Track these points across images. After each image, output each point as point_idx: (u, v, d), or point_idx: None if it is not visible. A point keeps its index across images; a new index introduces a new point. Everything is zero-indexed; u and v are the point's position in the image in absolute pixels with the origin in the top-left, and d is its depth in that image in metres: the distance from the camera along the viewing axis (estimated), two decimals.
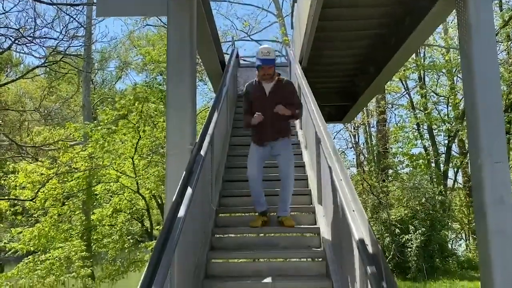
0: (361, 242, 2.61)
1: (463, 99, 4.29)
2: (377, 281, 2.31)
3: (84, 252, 12.09)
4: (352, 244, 2.77)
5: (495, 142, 3.70)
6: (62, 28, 10.24)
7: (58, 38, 9.78)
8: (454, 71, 15.69)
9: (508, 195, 3.57)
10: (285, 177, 4.31)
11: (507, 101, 14.29)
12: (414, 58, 16.66)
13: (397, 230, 12.10)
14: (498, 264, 3.52)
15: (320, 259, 3.83)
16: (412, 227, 11.82)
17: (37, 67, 14.34)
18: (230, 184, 5.52)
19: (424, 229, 11.62)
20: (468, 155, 13.04)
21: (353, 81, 9.10)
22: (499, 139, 3.71)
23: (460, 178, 17.17)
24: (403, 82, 17.46)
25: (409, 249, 11.45)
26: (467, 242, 15.47)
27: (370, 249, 2.57)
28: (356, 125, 19.16)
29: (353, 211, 2.92)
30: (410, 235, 11.64)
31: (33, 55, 16.42)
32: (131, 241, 13.72)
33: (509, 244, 3.56)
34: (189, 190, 3.24)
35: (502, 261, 3.50)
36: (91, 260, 12.71)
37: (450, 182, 16.75)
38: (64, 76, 18.47)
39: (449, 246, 13.47)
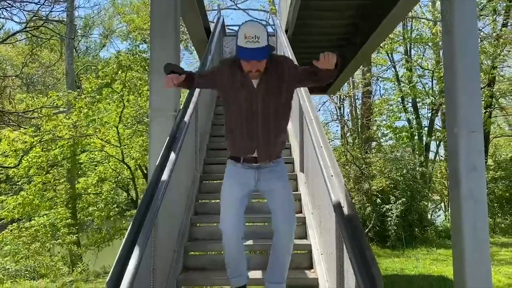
0: (338, 205, 2.71)
1: (443, 70, 4.38)
2: (351, 242, 2.42)
3: (70, 220, 12.15)
4: (330, 207, 2.88)
5: (472, 112, 3.81)
6: None
7: (39, 2, 9.49)
8: (440, 44, 15.77)
9: (481, 163, 3.71)
10: (284, 232, 2.65)
11: (490, 75, 14.49)
12: (401, 31, 16.68)
13: (378, 200, 12.42)
14: (469, 229, 3.68)
15: (300, 223, 3.96)
16: (393, 198, 12.13)
17: (18, 32, 13.99)
18: (214, 152, 5.60)
19: (404, 199, 11.95)
20: None
21: (339, 51, 9.08)
22: (475, 109, 3.82)
23: (441, 151, 17.54)
24: (389, 55, 17.51)
25: (389, 219, 11.78)
26: (446, 213, 15.95)
27: (346, 211, 2.67)
28: (342, 97, 19.26)
29: (332, 176, 3.02)
30: (390, 205, 11.96)
31: (13, 20, 15.96)
32: (117, 209, 13.83)
33: (481, 210, 3.72)
34: (173, 155, 3.30)
35: (473, 227, 3.67)
36: (76, 228, 12.80)
37: (432, 155, 17.13)
38: (46, 42, 18.05)
39: (428, 216, 13.87)
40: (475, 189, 3.75)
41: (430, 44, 16.20)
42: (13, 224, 11.71)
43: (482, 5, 14.10)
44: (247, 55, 2.34)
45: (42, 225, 11.35)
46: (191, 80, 2.56)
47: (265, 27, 2.39)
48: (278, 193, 2.66)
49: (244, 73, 2.46)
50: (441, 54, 16.23)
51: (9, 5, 9.35)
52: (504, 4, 14.32)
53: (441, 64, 15.78)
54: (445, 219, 15.20)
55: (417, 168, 13.29)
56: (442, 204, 16.46)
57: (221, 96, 2.64)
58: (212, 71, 2.69)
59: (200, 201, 4.51)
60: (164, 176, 2.98)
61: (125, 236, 2.36)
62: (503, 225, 13.53)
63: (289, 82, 2.54)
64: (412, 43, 16.67)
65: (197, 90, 4.84)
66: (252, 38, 2.30)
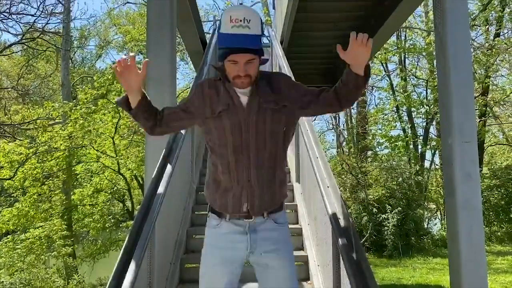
0: (334, 216, 2.72)
1: (437, 80, 4.43)
2: (348, 253, 2.43)
3: (65, 232, 12.08)
4: (326, 218, 2.89)
5: (466, 123, 3.85)
6: (40, 4, 10.00)
7: (35, 14, 9.53)
8: (434, 54, 15.90)
9: (476, 172, 3.74)
10: None
11: (483, 84, 14.63)
12: (395, 41, 16.84)
13: (375, 210, 12.43)
14: (464, 238, 3.70)
15: (296, 235, 3.96)
16: (389, 207, 12.15)
17: (14, 44, 14.01)
18: None
19: (400, 208, 11.97)
20: None
21: (333, 62, 9.18)
22: (469, 120, 3.86)
23: (437, 160, 17.62)
24: (384, 65, 17.64)
25: (385, 228, 11.78)
26: (442, 221, 15.96)
27: (342, 222, 2.68)
28: None
29: (328, 187, 3.03)
30: (386, 214, 11.97)
31: (9, 32, 16.01)
32: (112, 221, 13.75)
33: (476, 219, 3.74)
34: (169, 167, 3.30)
35: (469, 235, 3.68)
36: (72, 239, 12.71)
37: (427, 164, 17.18)
38: (42, 54, 18.07)
39: (424, 225, 13.89)
40: (470, 198, 3.77)
41: (424, 53, 16.34)
42: (8, 236, 11.63)
43: (474, 15, 14.28)
44: (233, 41, 1.67)
45: (37, 237, 11.26)
46: (152, 111, 1.88)
47: (255, 12, 1.75)
48: (277, 274, 1.88)
49: (231, 90, 1.80)
50: (435, 63, 16.38)
51: (5, 17, 9.39)
52: (496, 15, 14.51)
53: (435, 73, 15.90)
54: (442, 227, 15.22)
55: (413, 177, 13.33)
56: (438, 213, 16.48)
57: (203, 129, 1.92)
58: (188, 99, 1.92)
59: (196, 212, 4.50)
60: (161, 188, 2.98)
61: (121, 250, 2.36)
62: (499, 233, 13.54)
63: (290, 107, 1.84)
64: (406, 53, 16.81)
65: None
66: (241, 21, 1.65)
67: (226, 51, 1.73)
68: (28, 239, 11.24)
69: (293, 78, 2.02)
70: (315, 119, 19.76)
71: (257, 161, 1.82)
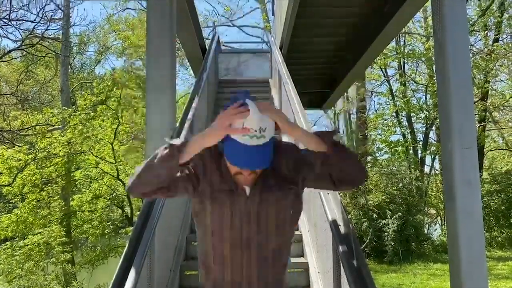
0: (334, 222, 2.71)
1: (436, 86, 4.42)
2: (348, 259, 2.42)
3: (64, 238, 12.03)
4: (326, 225, 2.87)
5: (465, 129, 3.84)
6: (39, 11, 10.02)
7: (35, 20, 9.54)
8: (433, 59, 15.93)
9: (476, 178, 3.72)
10: None
11: (483, 89, 14.66)
12: (395, 46, 16.89)
13: (375, 215, 12.40)
14: (465, 244, 3.68)
15: (296, 241, 3.94)
16: (389, 212, 12.12)
17: (13, 50, 14.02)
18: None
19: (400, 214, 11.94)
20: None
21: (333, 68, 9.19)
22: (469, 126, 3.85)
23: (437, 165, 17.61)
24: (383, 70, 17.68)
25: (385, 234, 11.75)
26: (442, 227, 15.93)
27: (342, 229, 2.67)
28: (336, 112, 19.36)
29: (328, 193, 3.02)
30: (387, 220, 11.94)
31: (8, 38, 16.04)
32: (111, 227, 13.71)
33: (476, 225, 3.72)
34: None
35: (469, 240, 3.66)
36: (70, 246, 12.66)
37: (427, 169, 17.17)
38: (41, 59, 18.09)
39: (425, 230, 13.85)
40: (471, 203, 3.75)
41: (423, 59, 16.39)
42: (6, 243, 11.58)
43: (473, 21, 14.34)
44: (242, 161, 1.39)
45: (36, 244, 11.21)
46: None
47: (269, 120, 1.39)
48: None
49: (227, 175, 1.50)
50: (434, 69, 16.41)
51: (5, 24, 9.40)
52: (495, 20, 14.57)
53: (434, 78, 15.93)
54: (442, 233, 15.19)
55: (413, 182, 13.32)
56: (438, 218, 16.45)
57: (195, 207, 1.58)
58: (192, 167, 1.52)
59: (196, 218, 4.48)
60: None
61: (121, 257, 2.34)
62: (499, 238, 13.51)
63: (297, 190, 1.55)
64: (406, 58, 16.86)
65: (193, 107, 4.86)
66: (255, 131, 1.34)
67: (232, 161, 1.42)
68: (27, 245, 11.20)
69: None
70: (314, 124, 19.80)
71: (258, 259, 1.51)
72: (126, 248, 2.44)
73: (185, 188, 1.51)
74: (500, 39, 15.32)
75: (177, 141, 1.42)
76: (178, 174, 1.47)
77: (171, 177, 1.45)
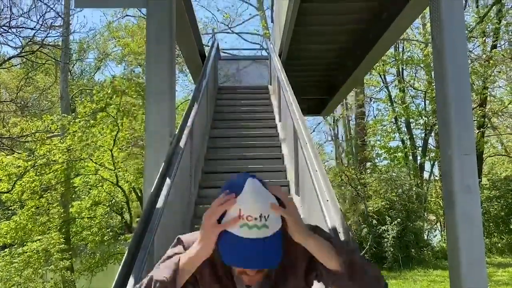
0: (334, 230, 2.71)
1: (435, 92, 4.44)
2: None
3: (63, 245, 12.00)
4: None
5: (464, 135, 3.85)
6: (39, 18, 10.03)
7: (35, 28, 9.56)
8: (431, 65, 15.99)
9: (475, 184, 3.73)
10: None
11: (481, 95, 14.69)
12: (393, 52, 16.95)
13: (374, 221, 12.39)
14: (465, 250, 3.68)
15: None
16: (389, 218, 12.11)
17: (13, 57, 14.05)
18: (210, 176, 5.59)
19: (400, 220, 11.92)
20: None
21: (332, 74, 9.22)
22: (468, 133, 3.87)
23: (436, 171, 17.61)
24: (382, 76, 17.73)
25: (385, 240, 11.73)
26: (442, 233, 15.90)
27: (342, 236, 2.67)
28: (336, 118, 19.40)
29: (327, 200, 3.02)
30: (386, 226, 11.93)
31: (8, 45, 16.07)
32: (111, 234, 13.69)
33: (476, 230, 3.72)
34: (168, 181, 3.30)
35: (469, 247, 3.66)
36: (70, 253, 12.63)
37: (426, 175, 17.18)
38: (41, 66, 18.13)
39: (424, 236, 13.83)
40: (470, 209, 3.76)
41: (422, 65, 16.44)
42: (5, 250, 11.54)
43: (471, 27, 14.40)
44: (241, 258, 1.09)
45: (34, 251, 11.18)
46: None
47: (271, 207, 1.09)
48: None
49: (228, 273, 1.25)
50: (433, 75, 16.45)
51: (5, 31, 9.41)
52: (493, 27, 14.64)
53: (433, 84, 15.97)
54: (442, 239, 15.17)
55: (413, 188, 13.32)
56: (438, 224, 16.42)
57: None
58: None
59: (195, 226, 4.47)
60: (160, 202, 2.97)
61: (121, 263, 2.34)
62: (499, 244, 13.48)
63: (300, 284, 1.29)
64: (404, 65, 16.91)
65: (192, 113, 4.87)
66: (256, 219, 1.06)
67: (230, 262, 1.13)
68: (26, 252, 11.16)
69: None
70: (314, 130, 19.82)
71: None
72: (125, 255, 2.43)
73: None
74: (498, 45, 15.40)
75: (161, 275, 1.15)
76: None
77: None
